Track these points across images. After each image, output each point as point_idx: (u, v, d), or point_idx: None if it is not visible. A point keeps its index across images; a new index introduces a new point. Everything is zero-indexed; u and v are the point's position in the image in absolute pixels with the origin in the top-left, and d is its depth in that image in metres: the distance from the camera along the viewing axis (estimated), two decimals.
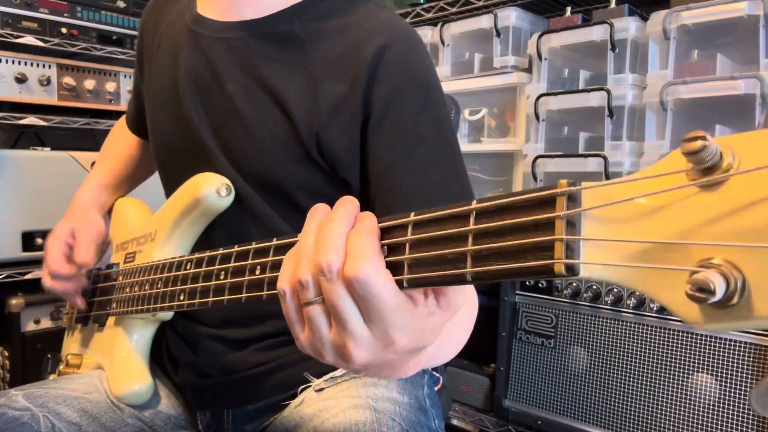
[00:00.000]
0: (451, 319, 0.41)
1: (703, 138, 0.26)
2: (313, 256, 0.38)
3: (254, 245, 0.51)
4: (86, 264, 0.87)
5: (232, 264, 0.53)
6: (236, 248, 0.53)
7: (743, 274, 0.25)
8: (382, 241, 0.39)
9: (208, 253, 0.59)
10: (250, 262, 0.50)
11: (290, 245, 0.46)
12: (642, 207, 0.29)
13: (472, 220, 0.34)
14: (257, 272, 0.49)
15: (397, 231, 0.38)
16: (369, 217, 0.39)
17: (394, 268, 0.37)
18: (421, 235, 0.37)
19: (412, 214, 0.38)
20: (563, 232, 0.30)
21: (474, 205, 0.35)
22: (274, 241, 0.48)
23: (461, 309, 0.41)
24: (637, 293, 0.27)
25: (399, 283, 0.37)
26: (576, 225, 0.30)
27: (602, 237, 0.29)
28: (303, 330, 0.41)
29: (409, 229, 0.37)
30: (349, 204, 0.40)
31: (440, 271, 0.35)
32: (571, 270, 0.30)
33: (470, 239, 0.34)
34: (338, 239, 0.38)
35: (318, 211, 0.42)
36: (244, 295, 0.50)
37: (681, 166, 0.27)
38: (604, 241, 0.29)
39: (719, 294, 0.25)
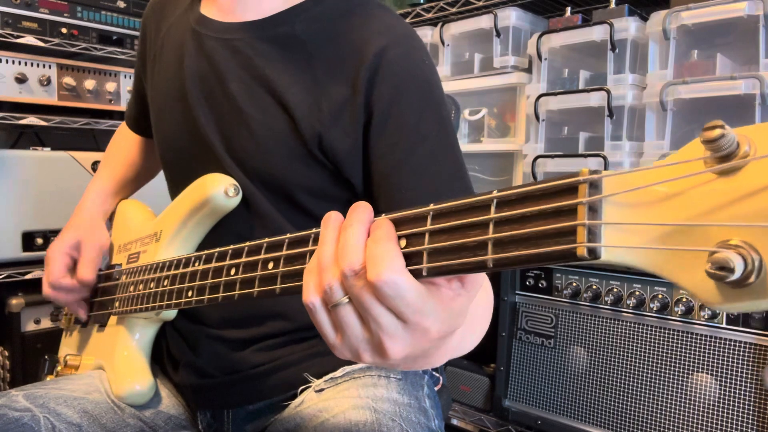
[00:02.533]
0: (471, 310, 0.42)
1: (722, 126, 0.27)
2: (337, 262, 0.39)
3: (267, 240, 0.51)
4: (87, 281, 0.87)
5: (243, 259, 0.53)
6: (248, 244, 0.54)
7: (760, 254, 0.26)
8: (401, 232, 0.39)
9: (217, 250, 0.59)
10: (262, 256, 0.50)
11: (304, 239, 0.46)
12: (661, 193, 0.30)
13: (492, 208, 0.35)
14: (270, 267, 0.49)
15: (416, 222, 0.39)
16: (386, 223, 0.40)
17: (412, 257, 0.38)
18: (442, 225, 0.37)
19: (432, 204, 0.38)
20: (585, 217, 0.31)
21: (495, 194, 0.35)
22: (288, 236, 0.48)
23: (480, 298, 0.42)
24: (656, 277, 0.28)
25: (418, 272, 0.37)
26: (598, 211, 0.31)
27: (623, 221, 0.30)
28: (337, 335, 0.41)
29: (428, 219, 0.38)
30: (363, 209, 0.41)
31: (460, 259, 0.36)
32: (593, 253, 0.30)
33: (491, 227, 0.35)
34: (358, 244, 0.39)
35: (331, 219, 0.42)
36: (256, 289, 0.50)
37: (699, 153, 0.28)
38: (625, 224, 0.30)
39: (738, 272, 0.26)
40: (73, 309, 0.90)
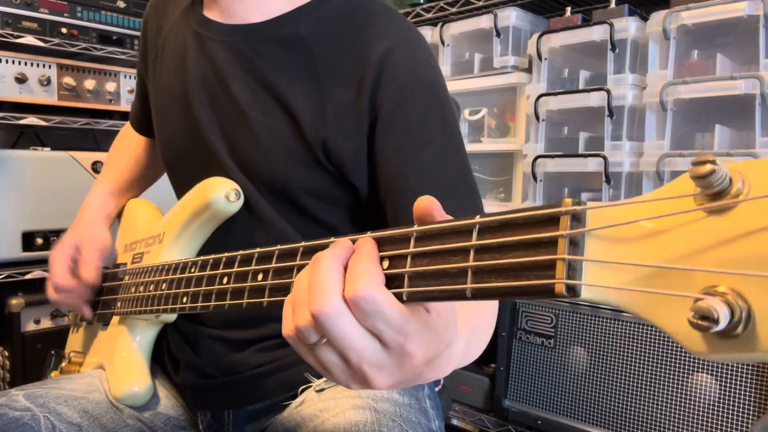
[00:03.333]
0: (475, 318, 0.41)
1: (713, 162, 0.25)
2: (307, 301, 0.38)
3: (258, 250, 0.50)
4: (89, 281, 0.87)
5: (235, 269, 0.53)
6: (240, 253, 0.53)
7: (749, 303, 0.24)
8: (383, 253, 0.38)
9: (212, 257, 0.59)
10: (252, 267, 0.50)
11: (294, 252, 0.45)
12: (648, 229, 0.28)
13: (474, 234, 0.34)
14: (259, 278, 0.48)
15: (398, 243, 0.38)
16: (367, 241, 0.39)
17: (394, 279, 0.37)
18: (423, 248, 0.36)
19: (415, 225, 0.37)
20: (566, 251, 0.29)
21: (477, 219, 0.34)
22: (278, 247, 0.48)
23: (483, 304, 0.41)
24: (643, 320, 0.27)
25: (399, 296, 0.36)
26: (579, 245, 0.29)
27: (606, 258, 0.29)
28: (323, 369, 0.40)
29: (412, 241, 0.37)
30: (340, 243, 0.39)
31: (440, 286, 0.35)
32: (572, 291, 0.29)
33: (472, 254, 0.33)
34: (328, 278, 0.37)
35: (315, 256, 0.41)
36: (245, 300, 0.50)
37: (689, 189, 0.27)
38: (607, 263, 0.29)
39: (723, 323, 0.24)
40: (78, 311, 0.90)
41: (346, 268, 0.38)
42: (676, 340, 0.27)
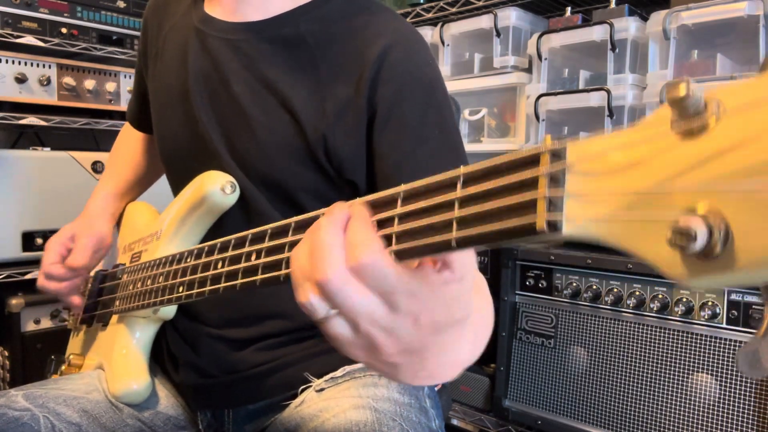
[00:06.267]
0: (476, 319, 0.40)
1: (687, 83, 0.25)
2: (310, 273, 0.37)
3: (251, 231, 0.50)
4: (78, 267, 0.87)
5: (229, 253, 0.53)
6: (234, 236, 0.53)
7: (726, 221, 0.24)
8: (373, 218, 0.38)
9: (207, 244, 0.59)
10: (246, 249, 0.50)
11: (286, 229, 0.45)
12: (626, 160, 0.28)
13: (459, 186, 0.34)
14: (253, 258, 0.49)
15: (387, 205, 0.38)
16: (360, 208, 0.38)
17: (383, 240, 0.37)
18: (410, 207, 0.36)
19: (402, 186, 0.37)
20: (546, 189, 0.29)
21: (461, 170, 0.34)
22: (270, 226, 0.48)
23: (481, 307, 0.40)
24: (624, 251, 0.27)
25: None
26: (559, 181, 0.29)
27: (586, 192, 0.28)
28: (332, 341, 0.39)
29: (399, 202, 0.37)
30: (336, 209, 0.39)
31: (426, 239, 0.35)
32: (553, 226, 0.29)
33: (456, 206, 0.34)
34: (330, 246, 0.36)
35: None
36: (239, 281, 0.50)
37: (666, 118, 0.27)
38: (587, 195, 0.28)
39: (700, 241, 0.24)
40: (66, 300, 0.90)
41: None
42: (656, 266, 0.27)
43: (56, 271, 0.87)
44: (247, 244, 0.50)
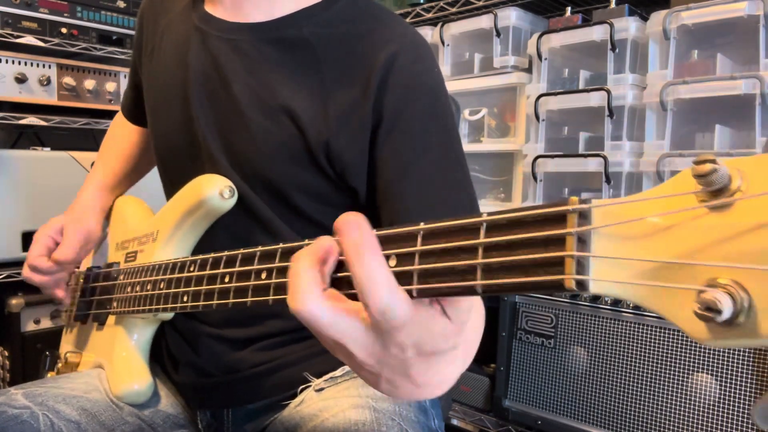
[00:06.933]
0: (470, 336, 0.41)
1: (713, 161, 0.26)
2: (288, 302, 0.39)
3: (260, 249, 0.51)
4: (63, 261, 0.87)
5: (237, 268, 0.53)
6: (241, 251, 0.53)
7: (749, 294, 0.26)
8: (392, 251, 0.39)
9: (212, 255, 0.59)
10: (255, 266, 0.50)
11: (296, 249, 0.46)
12: (652, 226, 0.29)
13: (482, 232, 0.35)
14: (263, 276, 0.49)
15: (406, 240, 0.38)
16: (339, 244, 0.38)
17: (403, 277, 0.38)
18: (431, 246, 0.37)
19: (422, 223, 0.38)
20: (574, 248, 0.30)
21: (485, 217, 0.35)
22: (281, 246, 0.48)
23: (474, 321, 0.41)
24: (649, 311, 0.28)
25: (409, 293, 0.37)
26: (586, 242, 0.31)
27: (612, 254, 0.30)
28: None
29: (419, 239, 0.38)
30: (318, 241, 0.40)
31: (450, 282, 0.35)
32: (581, 285, 0.30)
33: (480, 252, 0.34)
34: (300, 277, 0.38)
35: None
36: (249, 299, 0.50)
37: (691, 186, 0.28)
38: (614, 259, 0.30)
39: (726, 313, 0.26)
40: (50, 293, 0.90)
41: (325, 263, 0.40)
42: (682, 329, 0.28)
43: (42, 264, 0.87)
44: (257, 260, 0.50)
